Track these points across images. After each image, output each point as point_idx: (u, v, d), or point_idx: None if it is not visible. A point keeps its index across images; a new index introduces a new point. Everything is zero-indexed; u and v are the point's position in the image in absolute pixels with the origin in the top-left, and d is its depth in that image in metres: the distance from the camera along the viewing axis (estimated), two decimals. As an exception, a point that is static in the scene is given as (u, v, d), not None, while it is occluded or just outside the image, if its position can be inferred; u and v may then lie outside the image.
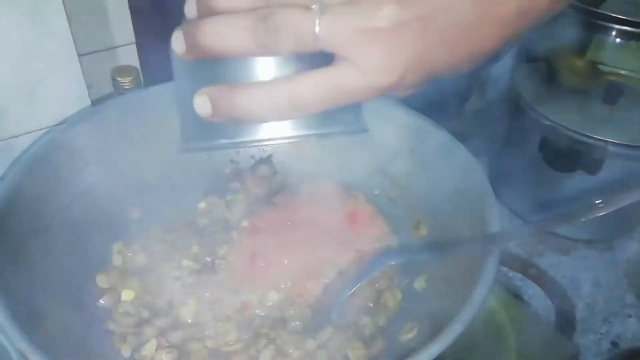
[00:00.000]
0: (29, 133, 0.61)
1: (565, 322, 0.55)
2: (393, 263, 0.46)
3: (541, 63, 0.84)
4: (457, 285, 0.42)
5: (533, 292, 0.72)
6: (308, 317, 0.45)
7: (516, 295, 0.66)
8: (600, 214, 0.35)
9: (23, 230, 0.42)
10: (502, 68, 1.01)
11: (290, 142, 0.44)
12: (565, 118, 0.72)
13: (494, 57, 0.82)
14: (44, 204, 0.45)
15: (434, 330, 0.37)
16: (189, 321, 0.45)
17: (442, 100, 0.87)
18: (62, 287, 0.44)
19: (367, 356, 0.42)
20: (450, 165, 0.49)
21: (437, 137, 0.51)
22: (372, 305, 0.47)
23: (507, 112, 0.93)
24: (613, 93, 0.77)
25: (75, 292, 0.45)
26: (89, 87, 0.69)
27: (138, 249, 0.51)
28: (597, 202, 0.35)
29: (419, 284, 0.48)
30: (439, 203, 0.50)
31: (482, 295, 0.35)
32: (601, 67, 0.81)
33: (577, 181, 0.74)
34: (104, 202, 0.52)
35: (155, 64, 0.87)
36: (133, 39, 0.79)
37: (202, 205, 0.56)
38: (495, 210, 0.42)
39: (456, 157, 0.49)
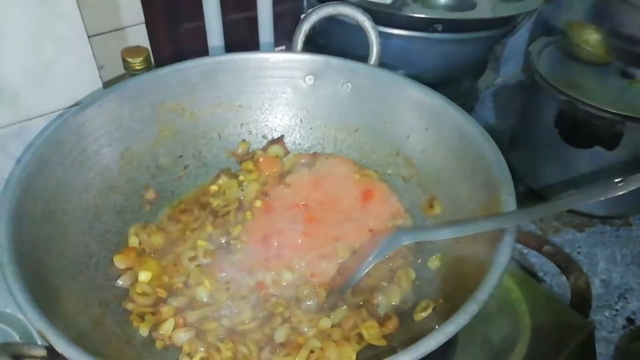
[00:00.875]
0: (42, 115, 0.61)
1: (581, 300, 0.55)
2: (407, 243, 0.46)
3: (558, 36, 0.82)
4: (472, 265, 0.41)
5: (548, 269, 0.72)
6: (322, 297, 0.46)
7: (531, 273, 0.66)
8: (620, 193, 0.34)
9: (40, 213, 0.42)
10: (518, 42, 0.99)
11: None
12: (582, 92, 0.71)
13: (511, 28, 0.80)
14: (59, 186, 0.46)
15: (449, 309, 0.37)
16: (205, 300, 0.46)
17: (456, 75, 0.86)
18: (79, 269, 0.44)
19: (381, 334, 0.43)
20: (464, 144, 0.48)
21: (451, 115, 0.50)
22: (385, 284, 0.47)
23: (522, 87, 0.92)
24: (632, 66, 0.75)
25: (93, 273, 0.45)
26: (100, 67, 0.68)
27: (154, 230, 0.51)
28: (616, 181, 0.34)
29: (433, 263, 0.47)
30: (453, 182, 0.50)
31: (497, 276, 0.35)
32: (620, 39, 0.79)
33: (595, 156, 0.73)
34: (119, 184, 0.52)
35: (165, 44, 0.87)
36: (142, 18, 0.78)
37: (215, 186, 0.56)
38: (511, 189, 0.42)
39: (471, 136, 0.48)
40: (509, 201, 0.41)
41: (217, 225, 0.52)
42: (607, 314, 0.68)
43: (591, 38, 0.79)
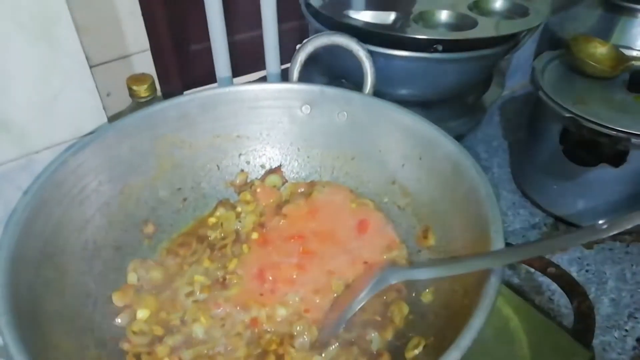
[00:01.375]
0: (49, 148, 0.63)
1: (583, 327, 0.54)
2: (396, 282, 0.46)
3: (562, 50, 0.81)
4: (461, 303, 0.41)
5: (556, 288, 0.71)
6: (314, 334, 0.46)
7: (532, 302, 0.65)
8: (604, 237, 0.34)
9: (38, 256, 0.43)
10: (524, 53, 0.98)
11: None
12: (587, 109, 0.70)
13: (514, 44, 0.80)
14: (58, 227, 0.47)
15: (439, 348, 0.37)
16: (201, 338, 0.47)
17: (460, 93, 0.85)
18: (77, 309, 0.45)
19: (372, 374, 0.43)
20: (457, 175, 0.48)
21: (444, 145, 0.50)
22: (379, 318, 0.47)
23: (527, 103, 0.90)
24: (638, 80, 0.73)
25: (91, 313, 0.46)
26: (107, 95, 0.70)
27: (152, 265, 0.52)
28: (600, 222, 0.34)
29: (426, 297, 0.47)
30: (447, 212, 0.50)
31: (482, 321, 0.35)
32: (626, 52, 0.77)
33: (600, 173, 0.72)
34: (118, 219, 0.53)
35: (172, 68, 0.88)
36: (147, 45, 0.80)
37: (213, 218, 0.57)
38: (500, 227, 0.41)
39: (463, 167, 0.48)
40: (496, 239, 0.40)
41: (214, 258, 0.53)
42: (616, 334, 0.67)
43: (596, 52, 0.77)
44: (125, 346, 0.45)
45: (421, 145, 0.53)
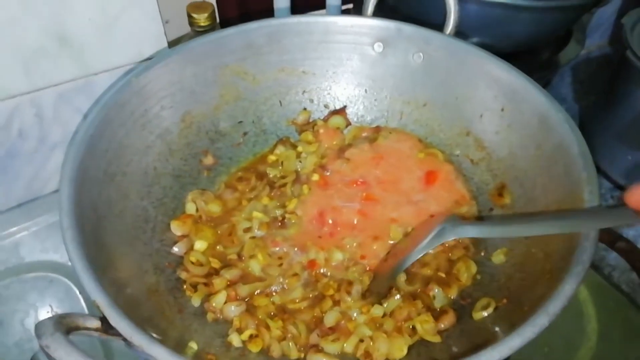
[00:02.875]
0: (107, 71, 0.61)
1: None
2: (454, 239, 0.43)
3: (658, 7, 0.74)
4: (542, 266, 0.38)
5: (617, 264, 0.67)
6: (365, 283, 0.44)
7: (603, 274, 0.62)
8: None
9: (101, 175, 0.43)
10: (607, 10, 0.90)
11: None
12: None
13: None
14: (121, 148, 0.46)
15: (513, 312, 0.35)
16: (257, 274, 0.45)
17: (536, 46, 0.79)
18: (136, 233, 0.45)
19: (436, 330, 0.41)
20: (545, 130, 0.44)
21: (533, 96, 0.46)
22: (443, 275, 0.44)
23: (608, 62, 0.83)
24: None
25: (150, 238, 0.46)
26: (165, 22, 0.67)
27: (211, 197, 0.50)
28: None
29: (498, 257, 0.44)
30: (527, 170, 0.46)
31: (573, 288, 0.32)
32: None
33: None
34: (179, 148, 0.52)
35: (230, 1, 0.84)
36: (209, -29, 0.76)
37: (273, 155, 0.54)
38: (596, 188, 0.38)
39: (553, 121, 0.44)
40: (591, 201, 0.37)
41: (274, 196, 0.51)
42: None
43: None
44: (183, 275, 0.45)
45: (505, 96, 0.49)
